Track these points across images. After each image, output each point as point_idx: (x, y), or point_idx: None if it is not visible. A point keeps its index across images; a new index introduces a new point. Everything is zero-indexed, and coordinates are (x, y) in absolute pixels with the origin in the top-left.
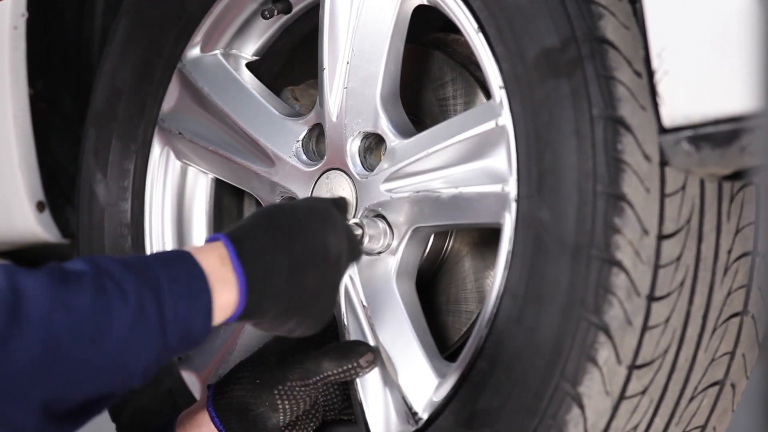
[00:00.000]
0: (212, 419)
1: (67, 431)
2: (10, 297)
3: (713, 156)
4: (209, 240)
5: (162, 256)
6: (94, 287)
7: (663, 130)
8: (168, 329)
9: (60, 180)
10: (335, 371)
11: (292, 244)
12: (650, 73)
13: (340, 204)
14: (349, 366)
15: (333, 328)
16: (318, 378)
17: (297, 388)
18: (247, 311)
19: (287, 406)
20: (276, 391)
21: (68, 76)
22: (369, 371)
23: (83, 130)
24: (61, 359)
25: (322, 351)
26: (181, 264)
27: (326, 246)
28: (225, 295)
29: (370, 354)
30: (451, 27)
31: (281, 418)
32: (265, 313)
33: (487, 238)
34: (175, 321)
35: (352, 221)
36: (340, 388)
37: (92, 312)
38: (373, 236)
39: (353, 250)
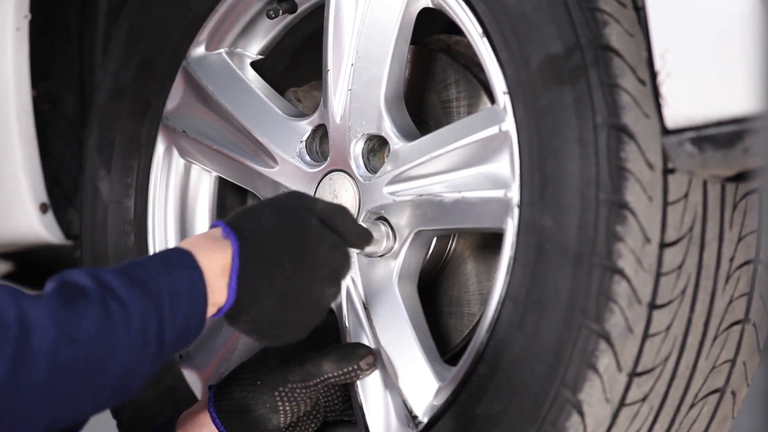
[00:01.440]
0: (213, 420)
1: None
2: (18, 331)
3: (716, 157)
4: (221, 230)
5: (166, 262)
6: (100, 312)
7: (666, 132)
8: (166, 341)
9: (63, 181)
10: (335, 373)
11: (293, 281)
12: (653, 75)
13: (367, 237)
14: (350, 368)
15: (334, 330)
16: (318, 380)
17: (297, 390)
18: (225, 316)
19: (288, 408)
20: (276, 393)
21: (71, 78)
22: (369, 374)
23: (87, 128)
24: (66, 387)
25: (322, 353)
26: (184, 270)
27: (322, 296)
28: (215, 298)
29: (370, 356)
30: (454, 28)
31: (282, 419)
32: (237, 322)
33: (489, 240)
34: (173, 331)
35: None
36: (341, 389)
37: (97, 341)
38: (375, 240)
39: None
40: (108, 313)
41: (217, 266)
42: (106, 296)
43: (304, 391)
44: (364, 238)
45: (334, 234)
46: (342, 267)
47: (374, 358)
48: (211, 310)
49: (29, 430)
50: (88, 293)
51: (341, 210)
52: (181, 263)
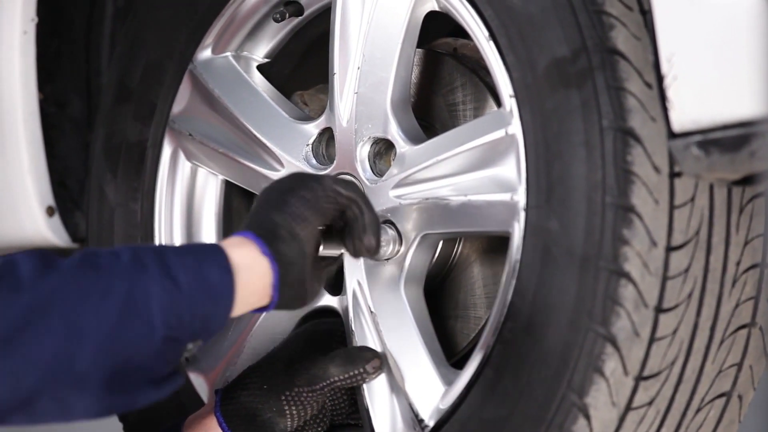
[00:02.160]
0: (220, 424)
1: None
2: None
3: (722, 161)
4: (260, 252)
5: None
6: (83, 253)
7: (672, 135)
8: (177, 275)
9: (69, 184)
10: (342, 377)
11: (285, 205)
12: (660, 78)
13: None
14: (356, 372)
15: (340, 333)
16: (325, 384)
17: (304, 394)
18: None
19: (294, 412)
20: (283, 397)
21: (77, 81)
22: (375, 377)
23: (93, 130)
24: (54, 314)
25: (328, 357)
26: (193, 245)
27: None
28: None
29: (376, 360)
30: (461, 32)
31: (288, 423)
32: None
33: (496, 244)
34: (184, 267)
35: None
36: (348, 392)
37: (81, 270)
38: (388, 241)
39: (347, 186)
40: (95, 253)
41: (259, 286)
42: (94, 249)
43: (310, 394)
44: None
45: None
46: (318, 178)
47: (380, 361)
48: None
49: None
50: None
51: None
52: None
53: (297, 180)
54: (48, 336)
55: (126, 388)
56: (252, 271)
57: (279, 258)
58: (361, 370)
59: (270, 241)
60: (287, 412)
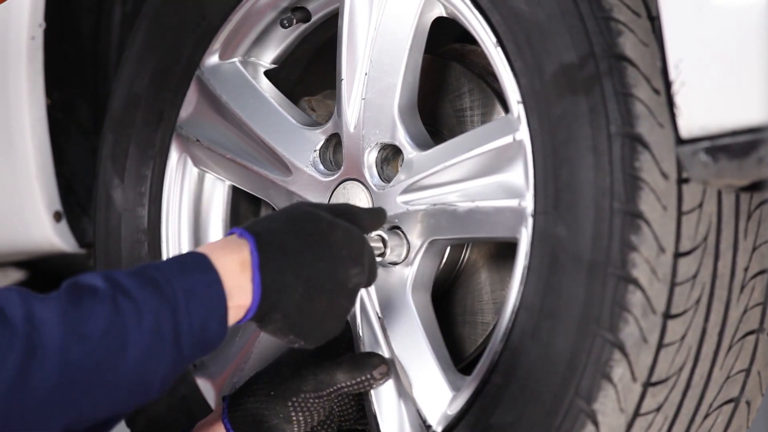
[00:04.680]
0: (228, 431)
1: None
2: (25, 329)
3: (730, 167)
4: (236, 234)
5: (179, 263)
6: (109, 309)
7: (680, 141)
8: (183, 342)
9: (77, 190)
10: (349, 383)
11: (315, 266)
12: (667, 85)
13: (380, 215)
14: (363, 378)
15: (348, 339)
16: (332, 390)
17: (311, 400)
18: (255, 318)
19: (301, 418)
20: (290, 403)
21: (85, 87)
22: (383, 383)
23: (100, 136)
24: (79, 386)
25: (336, 363)
26: (198, 272)
27: (347, 277)
28: (239, 299)
29: (383, 366)
30: (468, 38)
31: (296, 429)
32: (270, 322)
33: (503, 249)
34: (191, 332)
35: (374, 233)
36: (356, 398)
37: (107, 338)
38: (394, 248)
39: (371, 276)
40: (118, 310)
41: (236, 263)
42: (116, 294)
43: (317, 400)
44: (377, 217)
45: (346, 221)
46: (360, 247)
47: (388, 367)
48: (238, 313)
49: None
50: (98, 292)
51: (346, 204)
52: (195, 265)
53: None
54: (70, 409)
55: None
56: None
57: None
58: (369, 376)
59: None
60: (294, 418)
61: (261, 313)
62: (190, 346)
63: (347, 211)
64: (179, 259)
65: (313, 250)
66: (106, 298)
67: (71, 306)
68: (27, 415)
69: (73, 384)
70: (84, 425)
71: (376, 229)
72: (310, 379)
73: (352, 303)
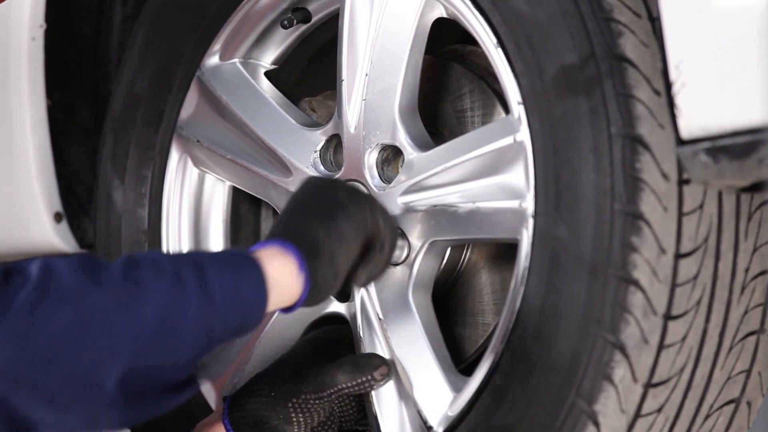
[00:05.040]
0: (228, 431)
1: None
2: (40, 275)
3: (731, 168)
4: (265, 245)
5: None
6: (125, 264)
7: (681, 142)
8: (214, 294)
9: (77, 191)
10: (349, 384)
11: (334, 222)
12: (668, 86)
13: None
14: (364, 379)
15: (348, 340)
16: (332, 391)
17: (311, 401)
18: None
19: (301, 419)
20: (290, 404)
21: (86, 87)
22: (383, 384)
23: (101, 137)
24: (95, 329)
25: (336, 364)
26: (231, 254)
27: (346, 204)
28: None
29: (384, 367)
30: (468, 38)
31: (296, 430)
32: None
33: (503, 251)
34: (221, 286)
35: None
36: (356, 399)
37: (124, 285)
38: (396, 248)
39: (388, 220)
40: (134, 264)
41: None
42: (132, 258)
43: (317, 401)
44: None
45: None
46: (352, 187)
47: (388, 368)
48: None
49: (95, 378)
50: (115, 262)
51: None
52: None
53: (346, 194)
54: (86, 350)
55: (150, 398)
56: (285, 286)
57: (313, 278)
58: (369, 377)
59: (309, 258)
60: (294, 419)
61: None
62: (227, 304)
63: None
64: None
65: (327, 213)
66: (122, 259)
67: (88, 262)
68: (39, 354)
69: (87, 326)
70: (127, 384)
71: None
72: (311, 380)
73: (363, 212)
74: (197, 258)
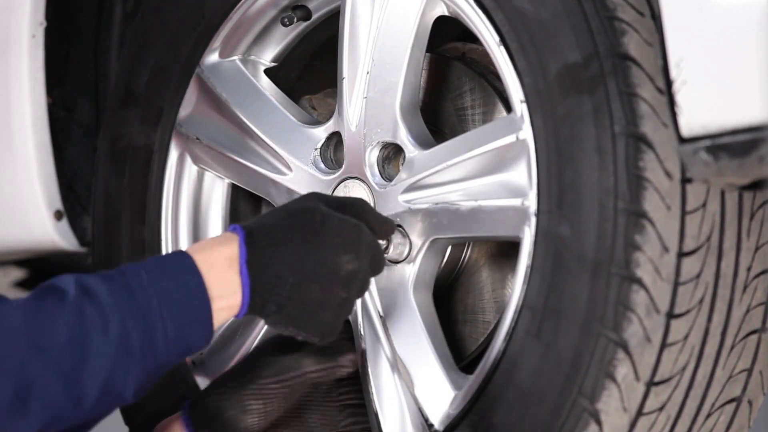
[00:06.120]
0: (186, 426)
1: None
2: None
3: (731, 166)
4: (229, 230)
5: (160, 266)
6: (72, 318)
7: (681, 140)
8: (158, 348)
9: (77, 188)
10: (315, 368)
11: (305, 256)
12: (668, 83)
13: (389, 223)
14: (331, 364)
15: (349, 338)
16: (295, 374)
17: (270, 386)
18: (252, 311)
19: (260, 406)
20: (245, 392)
21: (86, 85)
22: (351, 371)
23: (99, 134)
24: (38, 397)
25: (303, 350)
26: (178, 274)
27: (338, 264)
28: (229, 299)
29: (352, 354)
30: (470, 36)
31: (255, 419)
32: (268, 314)
33: (504, 249)
34: (166, 338)
35: None
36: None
37: (68, 349)
38: (396, 247)
39: (376, 266)
40: (82, 318)
41: (223, 259)
42: (84, 302)
43: (276, 385)
44: (387, 224)
45: (349, 214)
46: (354, 235)
47: (356, 355)
48: (230, 312)
49: None
50: (65, 298)
51: (360, 199)
52: (176, 268)
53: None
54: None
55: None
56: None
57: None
58: (336, 362)
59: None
60: (249, 407)
61: (256, 306)
62: (166, 352)
63: (357, 203)
64: (161, 261)
65: (303, 240)
66: (71, 305)
67: (33, 315)
68: None
69: (28, 396)
70: (58, 428)
71: (382, 233)
72: (272, 364)
73: (349, 291)
74: (145, 307)
